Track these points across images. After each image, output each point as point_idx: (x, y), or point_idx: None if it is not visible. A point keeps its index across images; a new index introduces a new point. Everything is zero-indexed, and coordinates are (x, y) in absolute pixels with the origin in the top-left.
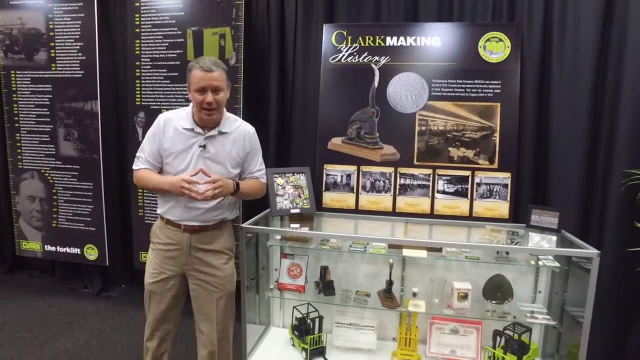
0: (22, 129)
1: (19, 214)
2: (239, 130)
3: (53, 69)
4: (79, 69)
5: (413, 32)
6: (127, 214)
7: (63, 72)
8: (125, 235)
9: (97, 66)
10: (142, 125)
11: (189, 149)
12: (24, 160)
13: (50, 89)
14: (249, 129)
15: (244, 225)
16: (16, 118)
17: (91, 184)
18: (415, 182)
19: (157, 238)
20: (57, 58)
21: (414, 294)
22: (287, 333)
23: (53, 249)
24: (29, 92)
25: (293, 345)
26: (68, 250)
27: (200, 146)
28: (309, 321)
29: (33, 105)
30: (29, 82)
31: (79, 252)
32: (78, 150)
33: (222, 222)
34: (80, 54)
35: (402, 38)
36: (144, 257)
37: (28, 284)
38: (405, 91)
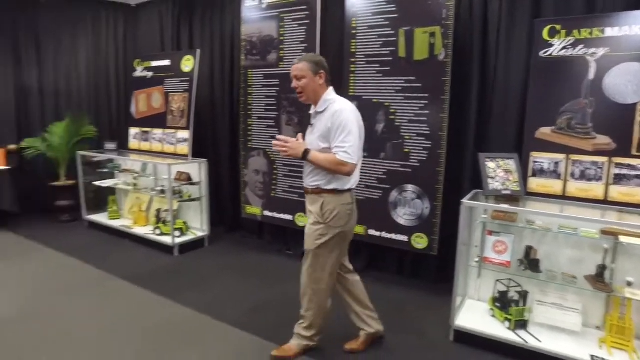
0: (253, 115)
1: (246, 184)
2: (329, 109)
3: (281, 66)
4: None
5: (637, 22)
6: None
7: (289, 68)
8: None
9: None
10: None
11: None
12: (253, 141)
13: (278, 82)
14: (335, 108)
15: (464, 200)
16: (249, 107)
17: None
18: (633, 173)
19: None
20: (284, 57)
21: (629, 284)
22: (485, 305)
23: (270, 214)
24: (260, 86)
25: (493, 316)
26: (282, 216)
27: (309, 124)
28: (512, 294)
29: (263, 97)
30: (262, 78)
31: (291, 219)
32: (296, 133)
33: (319, 189)
34: (304, 53)
35: (625, 28)
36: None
37: (242, 243)
38: (625, 81)
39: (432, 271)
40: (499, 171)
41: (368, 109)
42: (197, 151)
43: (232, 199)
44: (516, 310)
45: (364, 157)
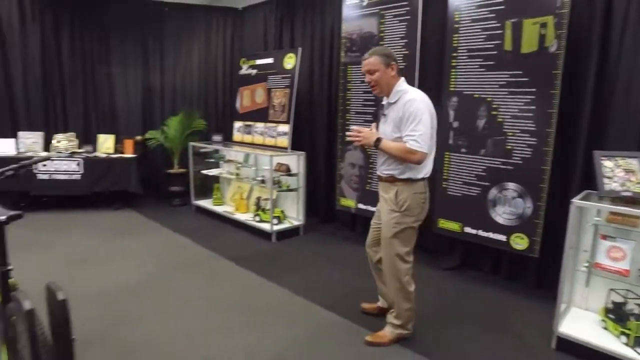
0: (351, 110)
1: (342, 176)
2: (401, 99)
3: None
4: (402, 61)
5: None
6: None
7: None
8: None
9: (418, 58)
10: (454, 109)
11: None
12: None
13: None
14: (407, 97)
15: (574, 200)
16: (348, 102)
17: None
18: None
19: None
20: None
21: None
22: (594, 315)
23: (364, 207)
24: (359, 82)
25: (605, 328)
26: (371, 208)
27: (382, 114)
28: (631, 307)
29: (362, 92)
30: (360, 74)
31: None
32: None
33: (392, 178)
34: (404, 49)
35: None
36: (442, 223)
37: (335, 233)
38: None
39: (532, 274)
40: (617, 171)
41: (469, 105)
42: (296, 144)
43: (326, 191)
44: (637, 325)
45: (463, 152)
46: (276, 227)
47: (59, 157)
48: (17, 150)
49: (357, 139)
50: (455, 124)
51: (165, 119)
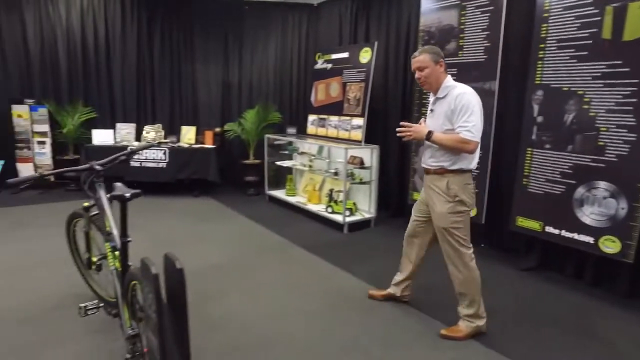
0: (427, 104)
1: (415, 171)
2: (450, 94)
3: (460, 55)
4: (483, 54)
5: None
6: (510, 182)
7: (468, 57)
8: (504, 199)
9: (500, 51)
10: (538, 103)
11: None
12: None
13: (456, 71)
14: (457, 92)
15: None
16: (425, 96)
17: (480, 152)
18: None
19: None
20: (464, 46)
21: None
22: None
23: None
24: None
25: None
26: None
27: (430, 109)
28: None
29: None
30: None
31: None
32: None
33: (442, 169)
34: (485, 42)
35: None
36: (521, 221)
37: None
38: None
39: (624, 281)
40: None
41: (556, 98)
42: (369, 137)
43: (398, 185)
44: None
45: (547, 149)
46: (348, 219)
47: (157, 146)
48: (115, 140)
49: (408, 133)
50: (540, 119)
51: (243, 112)
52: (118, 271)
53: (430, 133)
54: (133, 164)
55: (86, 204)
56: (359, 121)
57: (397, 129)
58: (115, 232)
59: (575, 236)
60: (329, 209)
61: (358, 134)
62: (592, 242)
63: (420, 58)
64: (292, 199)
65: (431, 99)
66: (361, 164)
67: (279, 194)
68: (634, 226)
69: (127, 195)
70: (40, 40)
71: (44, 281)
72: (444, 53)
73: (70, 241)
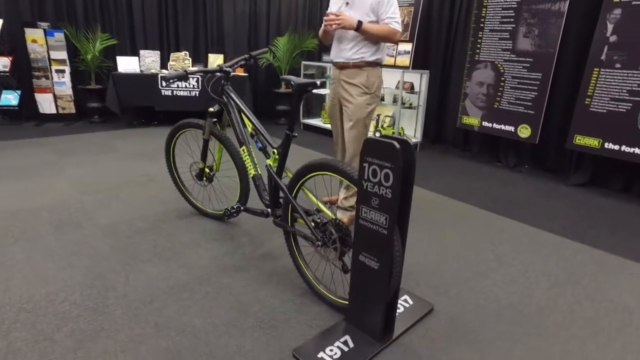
0: (485, 28)
1: (466, 95)
2: None
3: None
4: None
5: None
6: (571, 102)
7: None
8: (562, 119)
9: None
10: (614, 22)
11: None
12: (481, 53)
13: None
14: None
15: None
16: (482, 19)
17: (540, 74)
18: None
19: (331, 75)
20: None
21: None
22: None
23: (489, 124)
24: None
25: None
26: (504, 127)
27: (345, 2)
28: None
29: (500, 9)
30: None
31: (513, 130)
32: (535, 45)
33: (362, 62)
34: None
35: None
36: (579, 139)
37: (448, 152)
38: None
39: None
40: None
41: (636, 16)
42: (415, 63)
43: (438, 112)
44: None
45: (617, 68)
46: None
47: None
48: (140, 68)
49: (337, 22)
50: (613, 38)
51: (271, 40)
52: (272, 169)
53: (360, 22)
54: (165, 92)
55: (212, 110)
56: (407, 47)
57: (325, 18)
58: (264, 132)
59: (637, 150)
60: (377, 134)
61: (405, 60)
62: None
63: None
64: (328, 126)
65: None
66: (411, 89)
67: (315, 121)
68: None
69: (317, 82)
70: None
71: (144, 199)
72: None
73: (170, 157)
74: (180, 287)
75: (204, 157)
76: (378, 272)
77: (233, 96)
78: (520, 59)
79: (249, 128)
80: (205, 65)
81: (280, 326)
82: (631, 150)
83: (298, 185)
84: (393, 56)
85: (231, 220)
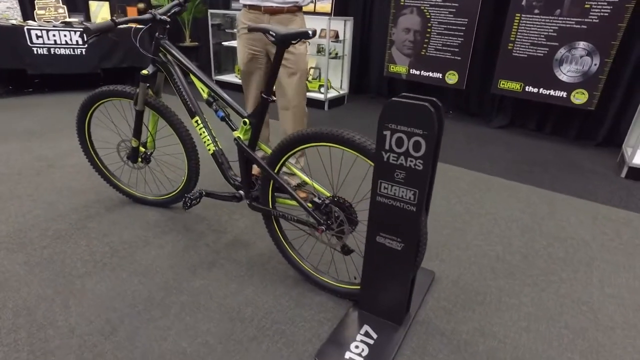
0: None
1: (393, 42)
2: None
3: None
4: None
5: None
6: (495, 48)
7: None
8: (486, 65)
9: None
10: None
11: None
12: None
13: None
14: None
15: None
16: None
17: (466, 20)
18: None
19: (242, 24)
20: None
21: None
22: None
23: (417, 72)
24: None
25: None
26: (431, 74)
27: None
28: None
29: None
30: None
31: (441, 77)
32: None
33: (296, 7)
34: None
35: None
36: (502, 83)
37: (374, 102)
38: None
39: (592, 129)
40: None
41: None
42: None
43: (360, 61)
44: None
45: (535, 14)
46: (328, 96)
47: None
48: None
49: None
50: None
51: None
52: (243, 143)
53: None
54: (39, 51)
55: (145, 72)
56: None
57: None
58: (225, 97)
59: (552, 92)
60: None
61: (326, 6)
62: (564, 96)
63: None
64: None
65: None
66: (336, 38)
67: (228, 77)
68: (601, 78)
69: (311, 33)
70: None
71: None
72: None
73: (85, 135)
74: (144, 303)
75: (137, 133)
76: (401, 253)
77: (175, 53)
78: (447, 3)
79: (204, 93)
80: (87, 16)
81: (287, 329)
82: (547, 92)
83: (282, 161)
84: (313, 2)
85: (174, 205)
